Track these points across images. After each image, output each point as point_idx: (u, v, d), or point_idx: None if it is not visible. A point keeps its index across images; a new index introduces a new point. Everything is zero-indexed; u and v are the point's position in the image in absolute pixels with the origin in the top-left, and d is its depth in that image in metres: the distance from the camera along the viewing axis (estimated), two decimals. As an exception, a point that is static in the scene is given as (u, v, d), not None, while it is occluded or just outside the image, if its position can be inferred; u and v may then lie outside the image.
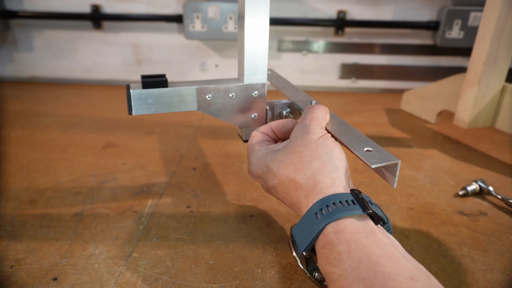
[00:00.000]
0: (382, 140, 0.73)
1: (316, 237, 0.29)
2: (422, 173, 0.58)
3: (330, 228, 0.28)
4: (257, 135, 0.40)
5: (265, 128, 0.41)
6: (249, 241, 0.41)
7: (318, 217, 0.29)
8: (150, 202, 0.49)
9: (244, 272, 0.37)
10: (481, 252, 0.40)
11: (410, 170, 0.59)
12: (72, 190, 0.51)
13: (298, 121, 0.38)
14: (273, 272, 0.37)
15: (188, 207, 0.48)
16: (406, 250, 0.40)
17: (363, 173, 0.58)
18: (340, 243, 0.27)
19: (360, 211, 0.29)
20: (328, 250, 0.28)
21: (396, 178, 0.32)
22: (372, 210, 0.29)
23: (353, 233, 0.27)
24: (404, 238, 0.42)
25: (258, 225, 0.44)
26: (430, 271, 0.37)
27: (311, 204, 0.31)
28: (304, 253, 0.30)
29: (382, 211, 0.31)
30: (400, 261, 0.25)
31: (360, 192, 0.31)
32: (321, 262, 0.28)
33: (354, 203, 0.29)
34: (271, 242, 0.41)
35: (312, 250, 0.30)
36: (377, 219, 0.29)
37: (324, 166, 0.32)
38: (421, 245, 0.41)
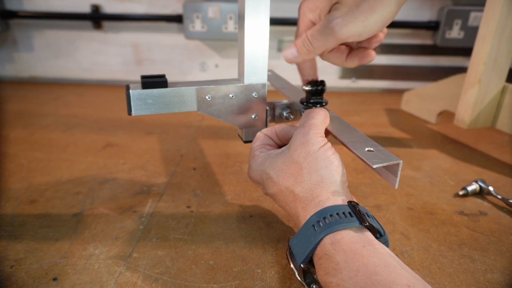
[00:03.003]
0: (382, 140, 0.73)
1: (314, 249, 0.29)
2: (422, 173, 0.58)
3: (327, 240, 0.28)
4: (260, 137, 0.40)
5: (269, 130, 0.41)
6: (249, 241, 0.41)
7: (316, 229, 0.29)
8: (150, 202, 0.49)
9: (244, 272, 0.37)
10: (481, 252, 0.40)
11: (410, 170, 0.59)
12: (72, 190, 0.51)
13: (297, 125, 0.38)
14: (273, 272, 0.37)
15: (188, 207, 0.48)
16: (406, 250, 0.41)
17: (363, 173, 0.58)
18: (337, 253, 0.27)
19: (357, 223, 0.29)
20: (325, 261, 0.28)
21: (398, 178, 0.32)
22: (368, 223, 0.29)
23: (350, 244, 0.27)
24: (404, 238, 0.42)
25: (258, 225, 0.44)
26: (430, 271, 0.38)
27: (308, 216, 0.31)
28: (302, 265, 0.30)
29: (379, 224, 0.31)
30: (397, 270, 0.25)
31: (357, 204, 0.31)
32: (319, 273, 0.29)
33: (351, 215, 0.29)
34: (271, 242, 0.41)
35: (309, 262, 0.30)
36: (374, 231, 0.30)
37: (323, 180, 0.32)
38: (421, 245, 0.41)
